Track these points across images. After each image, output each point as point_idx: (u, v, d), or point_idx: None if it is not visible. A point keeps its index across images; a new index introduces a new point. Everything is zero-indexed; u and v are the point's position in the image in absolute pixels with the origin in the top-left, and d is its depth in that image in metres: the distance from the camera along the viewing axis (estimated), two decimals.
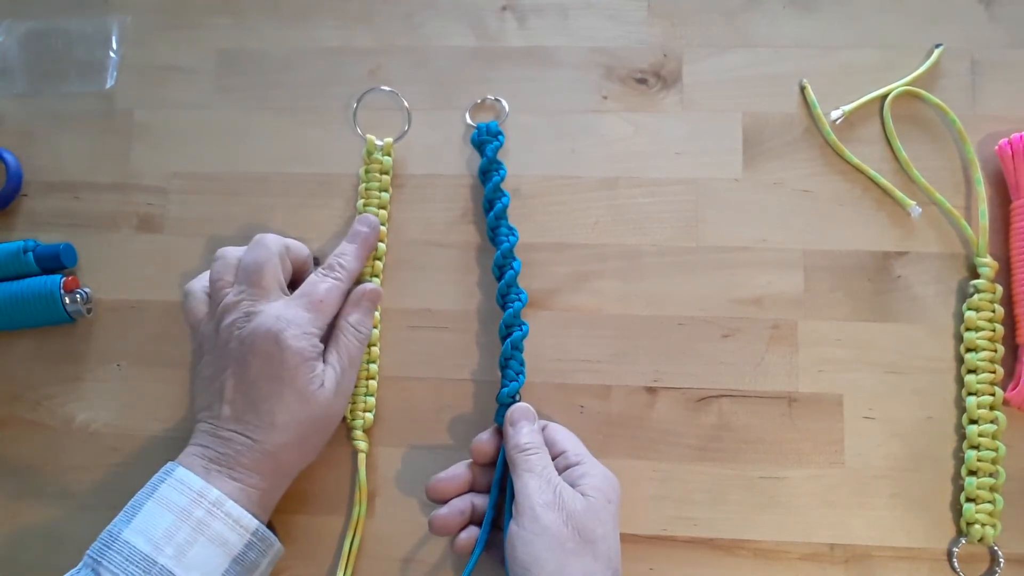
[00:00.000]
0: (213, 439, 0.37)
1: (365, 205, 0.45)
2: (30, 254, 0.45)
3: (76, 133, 0.48)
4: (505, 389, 0.41)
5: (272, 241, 0.40)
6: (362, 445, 0.43)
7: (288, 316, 0.38)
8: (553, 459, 0.39)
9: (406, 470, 0.43)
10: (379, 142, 0.45)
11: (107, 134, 0.48)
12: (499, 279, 0.43)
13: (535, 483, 0.37)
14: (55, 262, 0.45)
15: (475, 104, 0.46)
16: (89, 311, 0.45)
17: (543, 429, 0.40)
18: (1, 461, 0.45)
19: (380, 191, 0.45)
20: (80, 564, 0.35)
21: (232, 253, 0.41)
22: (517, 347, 0.42)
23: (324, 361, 0.39)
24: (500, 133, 0.45)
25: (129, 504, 0.36)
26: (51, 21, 0.49)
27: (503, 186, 0.45)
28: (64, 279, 0.44)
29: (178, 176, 0.47)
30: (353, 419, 0.43)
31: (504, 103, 0.46)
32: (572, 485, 0.37)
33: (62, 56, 0.49)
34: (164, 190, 0.47)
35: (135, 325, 0.45)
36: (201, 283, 0.42)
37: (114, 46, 0.48)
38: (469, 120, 0.46)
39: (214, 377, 0.38)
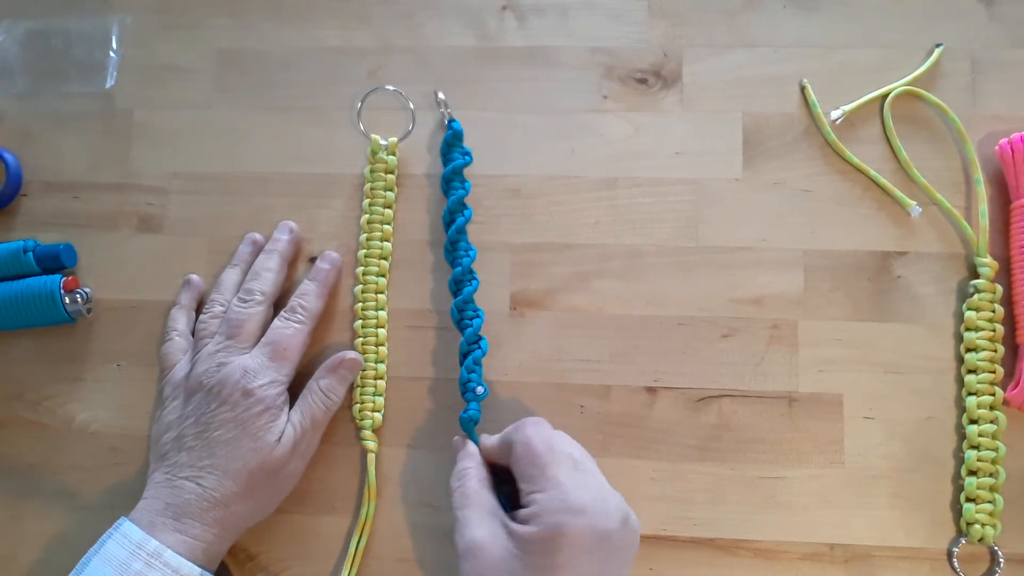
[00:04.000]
0: (165, 489, 0.38)
1: (371, 205, 0.45)
2: (30, 254, 0.45)
3: (76, 133, 0.48)
4: (466, 413, 0.41)
5: (261, 289, 0.42)
6: (371, 445, 0.43)
7: (254, 367, 0.39)
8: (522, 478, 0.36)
9: (407, 470, 0.43)
10: (384, 141, 0.45)
11: (107, 134, 0.48)
12: (455, 295, 0.43)
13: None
14: (55, 262, 0.45)
15: (441, 111, 0.46)
16: (89, 311, 0.45)
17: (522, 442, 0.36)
18: (1, 461, 0.45)
19: (385, 190, 0.45)
20: None
21: (222, 300, 0.42)
22: (478, 363, 0.42)
23: (288, 418, 0.40)
24: (468, 153, 0.45)
25: (80, 561, 0.37)
26: (51, 21, 0.49)
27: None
28: (64, 279, 0.44)
29: (178, 176, 0.47)
30: (362, 419, 0.43)
31: (457, 120, 0.45)
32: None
33: (62, 56, 0.49)
34: (164, 190, 0.47)
35: (135, 325, 0.45)
36: (183, 323, 0.44)
37: (114, 46, 0.48)
38: (446, 114, 0.46)
39: (176, 424, 0.39)
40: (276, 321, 0.41)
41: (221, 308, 0.42)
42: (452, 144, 0.45)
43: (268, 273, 0.43)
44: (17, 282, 0.45)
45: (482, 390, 0.41)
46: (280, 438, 0.39)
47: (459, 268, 0.43)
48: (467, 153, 0.45)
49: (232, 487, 0.38)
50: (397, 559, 0.42)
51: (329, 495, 0.43)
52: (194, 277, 0.45)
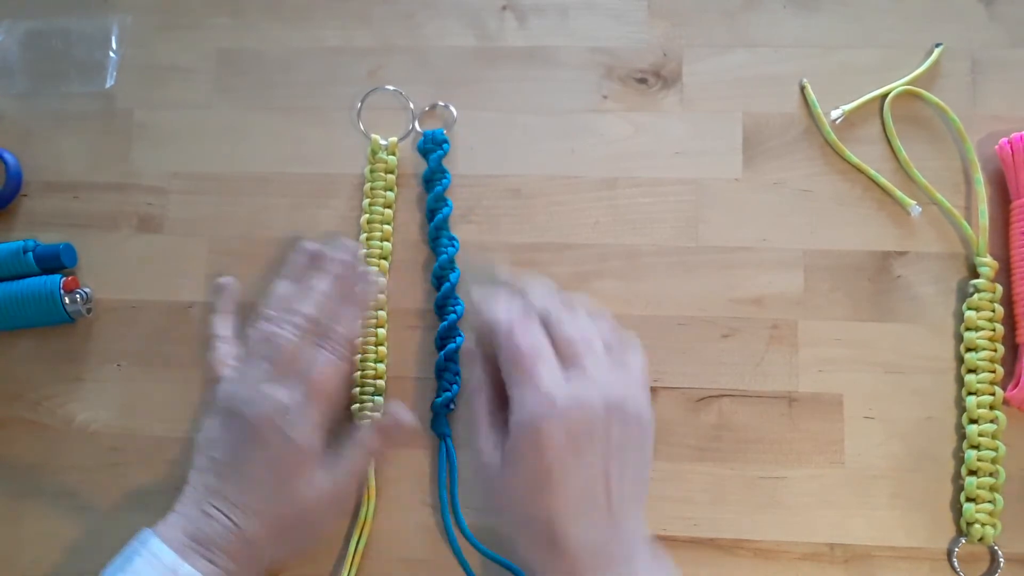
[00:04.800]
0: (197, 513, 0.36)
1: (371, 205, 0.45)
2: (30, 254, 0.45)
3: (76, 133, 0.48)
4: (439, 399, 0.42)
5: (308, 314, 0.38)
6: None
7: (292, 407, 0.37)
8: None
9: (410, 470, 0.43)
10: (384, 141, 0.45)
11: (107, 134, 0.48)
12: (437, 289, 0.43)
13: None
14: (55, 262, 0.45)
15: (424, 112, 0.46)
16: (89, 311, 0.45)
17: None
18: (1, 461, 0.45)
19: (385, 190, 0.45)
20: None
21: (273, 316, 0.39)
22: (451, 358, 0.43)
23: (324, 465, 0.38)
24: (445, 141, 0.45)
25: (104, 572, 0.35)
26: (51, 21, 0.49)
27: (447, 194, 0.45)
28: (64, 279, 0.44)
29: (178, 176, 0.47)
30: (362, 419, 0.43)
31: (453, 110, 0.46)
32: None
33: (62, 56, 0.49)
34: (164, 190, 0.47)
35: (135, 325, 0.45)
36: (225, 328, 0.42)
37: (114, 46, 0.48)
38: (418, 127, 0.46)
39: (215, 443, 0.37)
40: (316, 353, 0.38)
41: (269, 327, 0.39)
42: (428, 148, 0.45)
43: (321, 298, 0.39)
44: (17, 282, 0.45)
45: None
46: (316, 489, 0.37)
47: (437, 264, 0.44)
48: (444, 141, 0.45)
49: (262, 530, 0.36)
50: (397, 559, 0.42)
51: None
52: (226, 280, 0.43)
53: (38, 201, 0.47)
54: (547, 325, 0.35)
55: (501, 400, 0.35)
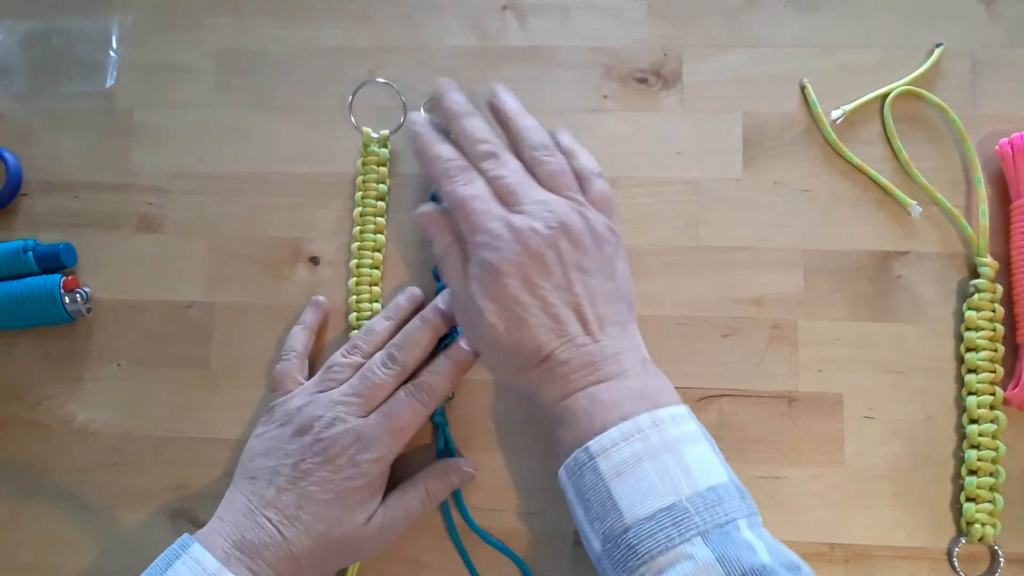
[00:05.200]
0: (246, 520, 0.36)
1: (363, 197, 0.45)
2: (30, 254, 0.45)
3: (76, 133, 0.48)
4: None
5: (404, 361, 0.39)
6: None
7: (367, 438, 0.37)
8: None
9: (410, 470, 0.43)
10: (375, 134, 0.45)
11: (107, 134, 0.48)
12: (438, 279, 0.44)
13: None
14: (55, 262, 0.45)
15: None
16: (89, 311, 0.45)
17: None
18: (1, 461, 0.45)
19: (377, 183, 0.45)
20: None
21: (366, 351, 0.40)
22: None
23: (383, 501, 0.38)
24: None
25: (144, 574, 0.35)
26: (51, 21, 0.49)
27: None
28: (64, 279, 0.44)
29: (178, 176, 0.47)
30: None
31: None
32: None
33: (62, 56, 0.49)
34: (164, 190, 0.47)
35: (135, 325, 0.45)
36: (302, 344, 0.42)
37: (114, 46, 0.48)
38: (424, 115, 0.46)
39: (275, 454, 0.38)
40: (400, 393, 0.39)
41: (362, 360, 0.40)
42: None
43: (416, 349, 0.40)
44: (17, 282, 0.45)
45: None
46: (370, 519, 0.37)
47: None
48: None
49: (310, 547, 0.36)
50: (397, 559, 0.42)
51: None
52: (321, 299, 0.44)
53: (38, 201, 0.47)
54: (482, 172, 0.38)
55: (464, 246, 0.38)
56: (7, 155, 0.47)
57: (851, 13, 0.46)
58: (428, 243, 0.40)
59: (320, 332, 0.44)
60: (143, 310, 0.46)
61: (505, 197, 0.37)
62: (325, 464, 0.37)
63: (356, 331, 0.43)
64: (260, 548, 0.35)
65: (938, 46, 0.45)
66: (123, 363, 0.45)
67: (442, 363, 0.40)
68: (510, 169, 0.38)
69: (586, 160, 0.40)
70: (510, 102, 0.41)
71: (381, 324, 0.42)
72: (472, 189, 0.37)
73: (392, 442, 0.38)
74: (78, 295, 0.45)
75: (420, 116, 0.41)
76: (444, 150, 0.39)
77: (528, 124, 0.40)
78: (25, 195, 0.47)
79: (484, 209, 0.36)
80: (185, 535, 0.36)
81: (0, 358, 0.46)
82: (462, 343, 0.40)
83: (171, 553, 0.35)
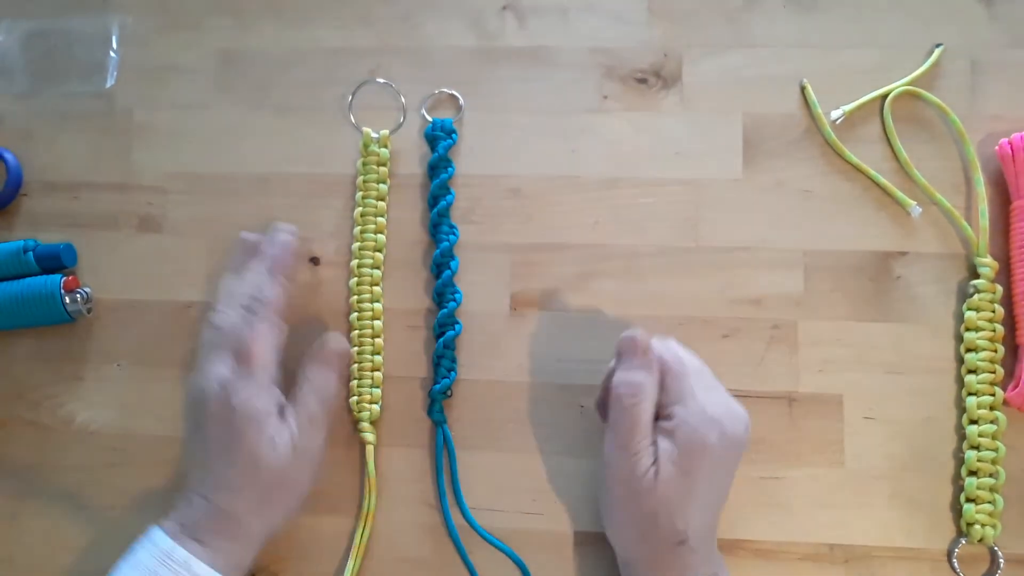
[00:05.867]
0: (185, 505, 0.38)
1: (364, 197, 0.45)
2: (30, 254, 0.45)
3: (76, 133, 0.48)
4: (437, 385, 0.43)
5: (246, 293, 0.39)
6: (370, 437, 0.43)
7: (223, 378, 0.37)
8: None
9: (408, 470, 0.43)
10: (375, 134, 0.45)
11: (107, 134, 0.48)
12: (437, 277, 0.44)
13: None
14: (55, 262, 0.45)
15: (432, 97, 0.46)
16: (89, 311, 0.45)
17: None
18: (1, 461, 0.45)
19: (378, 183, 0.45)
20: None
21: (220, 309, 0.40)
22: (449, 346, 0.43)
23: (283, 418, 0.38)
24: (453, 131, 0.45)
25: (112, 569, 0.36)
26: (51, 21, 0.49)
27: (450, 185, 0.45)
28: (64, 279, 0.44)
29: (178, 176, 0.47)
30: (360, 412, 0.43)
31: (460, 98, 0.46)
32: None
33: (62, 56, 0.49)
34: (164, 190, 0.47)
35: (135, 325, 0.45)
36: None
37: (114, 46, 0.48)
38: (427, 115, 0.46)
39: (193, 438, 0.39)
40: (246, 326, 0.38)
41: (211, 317, 0.40)
42: (437, 136, 0.45)
43: (254, 278, 0.40)
44: (17, 282, 0.45)
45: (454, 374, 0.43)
46: (277, 445, 0.37)
47: (438, 251, 0.44)
48: (453, 131, 0.45)
49: (239, 501, 0.37)
50: (397, 559, 0.42)
51: (329, 496, 0.43)
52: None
53: (38, 201, 0.47)
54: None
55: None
56: (7, 155, 0.47)
57: (851, 13, 0.46)
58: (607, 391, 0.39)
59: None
60: (143, 310, 0.46)
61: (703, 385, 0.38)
62: (211, 422, 0.37)
63: (356, 331, 0.43)
64: (200, 522, 0.37)
65: (938, 46, 0.45)
66: (123, 363, 0.45)
67: (257, 269, 0.40)
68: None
69: None
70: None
71: (225, 280, 0.41)
72: (697, 363, 0.39)
73: (248, 368, 0.37)
74: (78, 295, 0.45)
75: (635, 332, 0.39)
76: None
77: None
78: (25, 195, 0.47)
79: (699, 383, 0.38)
80: (152, 525, 0.37)
81: (0, 358, 0.46)
82: (270, 249, 0.40)
83: (137, 543, 0.37)
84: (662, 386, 0.38)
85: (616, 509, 0.38)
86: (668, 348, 0.39)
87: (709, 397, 0.37)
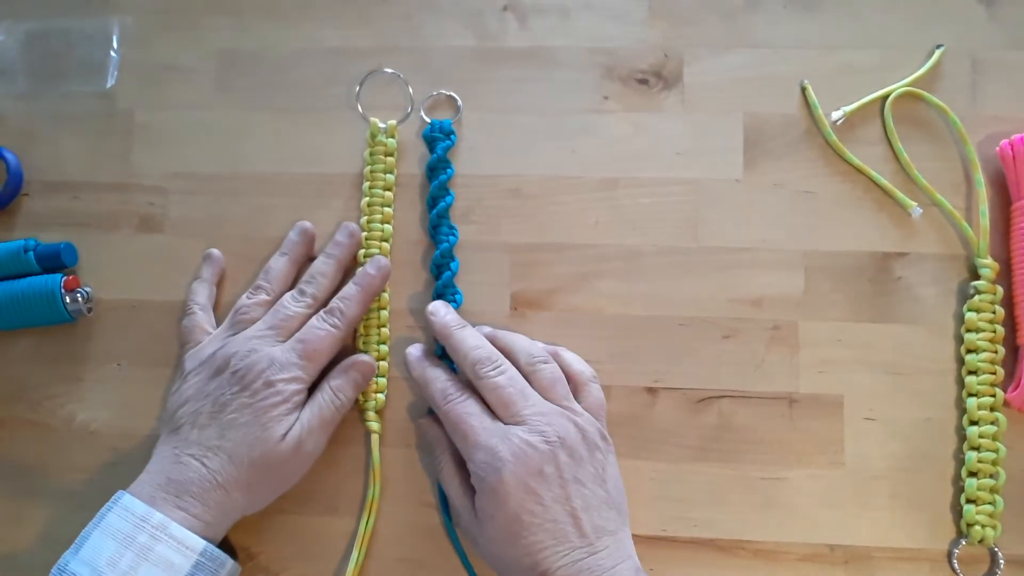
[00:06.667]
0: (170, 464, 0.38)
1: (371, 187, 0.45)
2: (30, 253, 0.45)
3: (76, 133, 0.48)
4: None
5: (314, 293, 0.42)
6: (375, 426, 0.43)
7: (282, 361, 0.39)
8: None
9: (407, 470, 0.43)
10: (383, 124, 0.45)
11: (107, 134, 0.48)
12: (436, 278, 0.44)
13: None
14: (56, 261, 0.45)
15: (430, 98, 0.46)
16: (90, 310, 0.45)
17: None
18: (1, 461, 0.45)
19: (385, 173, 0.45)
20: None
21: (269, 288, 0.42)
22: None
23: (298, 416, 0.39)
24: (452, 132, 0.45)
25: (79, 535, 0.36)
26: (51, 21, 0.49)
27: (450, 185, 0.45)
28: (65, 278, 0.44)
29: (178, 176, 0.47)
30: (366, 400, 0.43)
31: (458, 99, 0.46)
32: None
33: (62, 56, 0.49)
34: (164, 190, 0.47)
35: (135, 325, 0.45)
36: (204, 297, 0.44)
37: (114, 46, 0.48)
38: (425, 116, 0.46)
39: (194, 399, 0.39)
40: (313, 320, 0.41)
41: (267, 297, 0.42)
42: (435, 137, 0.46)
43: (324, 280, 0.42)
44: (18, 282, 0.45)
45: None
46: (287, 434, 0.38)
47: (437, 252, 0.44)
48: (451, 132, 0.45)
49: (234, 473, 0.38)
50: (397, 559, 0.42)
51: (331, 496, 0.43)
52: (214, 252, 0.45)
53: (39, 201, 0.47)
54: (476, 381, 0.39)
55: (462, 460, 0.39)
56: (7, 155, 0.47)
57: (851, 14, 0.46)
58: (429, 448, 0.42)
59: (220, 283, 0.45)
60: (143, 310, 0.46)
61: (502, 408, 0.38)
62: (242, 391, 0.38)
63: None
64: (186, 484, 0.37)
65: (938, 47, 0.45)
66: (123, 363, 0.45)
67: (351, 289, 0.42)
68: (508, 377, 0.38)
69: (580, 365, 0.41)
70: (447, 316, 0.41)
71: (278, 262, 0.44)
72: (466, 407, 0.38)
73: (307, 364, 0.40)
74: (78, 295, 0.45)
75: (413, 347, 0.42)
76: (436, 372, 0.41)
77: (516, 338, 0.41)
78: (26, 195, 0.47)
79: (480, 427, 0.37)
80: (119, 491, 0.37)
81: (0, 358, 0.46)
82: (369, 269, 0.42)
83: (105, 507, 0.37)
84: (458, 447, 0.39)
85: (477, 552, 0.39)
86: (446, 412, 0.39)
87: (500, 435, 0.36)
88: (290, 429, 0.39)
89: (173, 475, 0.37)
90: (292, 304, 0.41)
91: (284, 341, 0.40)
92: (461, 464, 0.39)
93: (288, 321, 0.41)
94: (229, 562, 0.38)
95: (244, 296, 0.42)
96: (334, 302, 0.41)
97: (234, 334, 0.41)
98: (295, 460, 0.39)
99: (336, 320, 0.41)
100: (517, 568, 0.35)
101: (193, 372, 0.40)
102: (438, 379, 0.40)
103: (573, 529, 0.35)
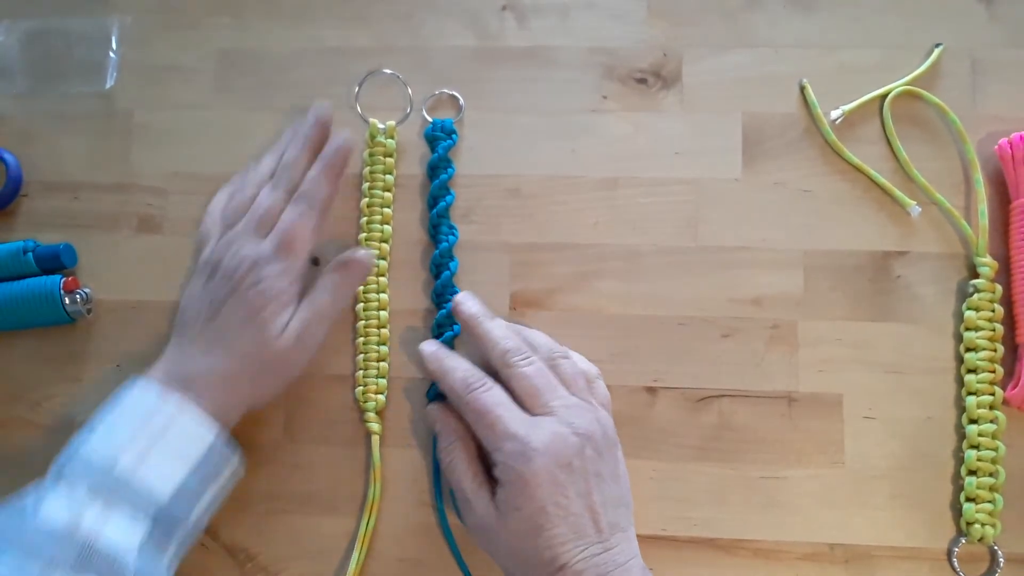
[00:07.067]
0: (178, 358, 0.39)
1: (370, 188, 0.45)
2: (30, 254, 0.45)
3: (76, 133, 0.48)
4: (435, 387, 0.43)
5: (287, 178, 0.41)
6: (375, 427, 0.43)
7: (264, 257, 0.39)
8: None
9: (407, 471, 0.43)
10: (381, 125, 0.45)
11: (107, 134, 0.48)
12: (436, 277, 0.44)
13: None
14: (55, 262, 0.45)
15: (431, 98, 0.46)
16: (89, 311, 0.45)
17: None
18: (1, 461, 0.45)
19: (384, 174, 0.45)
20: (47, 476, 0.36)
21: (254, 187, 0.42)
22: (448, 346, 0.43)
23: (295, 311, 0.40)
24: (454, 132, 0.45)
25: (93, 416, 0.37)
26: (51, 21, 0.49)
27: (450, 185, 0.45)
28: (64, 279, 0.44)
29: (178, 176, 0.47)
30: (365, 401, 0.43)
31: (460, 98, 0.46)
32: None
33: (62, 56, 0.49)
34: (164, 190, 0.47)
35: (135, 325, 0.45)
36: (223, 203, 0.43)
37: (114, 46, 0.48)
38: (427, 115, 0.46)
39: (197, 299, 0.40)
40: (285, 212, 0.41)
41: (244, 193, 0.42)
42: (436, 136, 0.46)
43: (296, 169, 0.42)
44: (17, 282, 0.44)
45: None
46: (284, 330, 0.39)
47: (436, 252, 0.44)
48: (453, 132, 0.45)
49: (236, 367, 0.38)
50: (397, 559, 0.42)
51: (331, 496, 0.43)
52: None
53: (38, 201, 0.47)
54: (504, 370, 0.38)
55: (477, 452, 0.39)
56: (7, 156, 0.47)
57: (851, 13, 0.46)
58: (435, 436, 0.41)
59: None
60: (143, 310, 0.46)
61: (529, 398, 0.37)
62: (233, 291, 0.39)
63: None
64: (192, 376, 0.38)
65: (937, 46, 0.45)
66: (123, 363, 0.45)
67: (314, 170, 0.41)
68: (536, 368, 0.38)
69: (585, 364, 0.41)
70: (476, 307, 0.41)
71: (268, 160, 0.43)
72: (492, 396, 0.37)
73: (287, 255, 0.40)
74: (78, 296, 0.45)
75: (426, 343, 0.42)
76: (455, 362, 0.40)
77: (535, 333, 0.40)
78: (25, 196, 0.47)
79: (509, 416, 0.36)
80: (132, 377, 0.38)
81: (0, 358, 0.46)
82: (329, 146, 0.42)
83: (119, 391, 0.38)
84: (481, 437, 0.38)
85: (485, 547, 0.38)
86: (476, 399, 0.38)
87: (532, 426, 0.36)
88: (287, 324, 0.39)
89: (181, 368, 0.38)
90: (267, 196, 0.41)
91: (259, 233, 0.40)
92: (475, 455, 0.39)
93: (266, 215, 0.40)
94: (236, 455, 0.39)
95: (232, 200, 0.43)
96: (300, 188, 0.41)
97: (223, 235, 0.41)
98: (295, 354, 0.40)
99: (304, 206, 0.40)
100: (535, 562, 0.35)
101: (196, 275, 0.41)
102: (458, 369, 0.39)
103: (591, 524, 0.35)
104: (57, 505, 0.34)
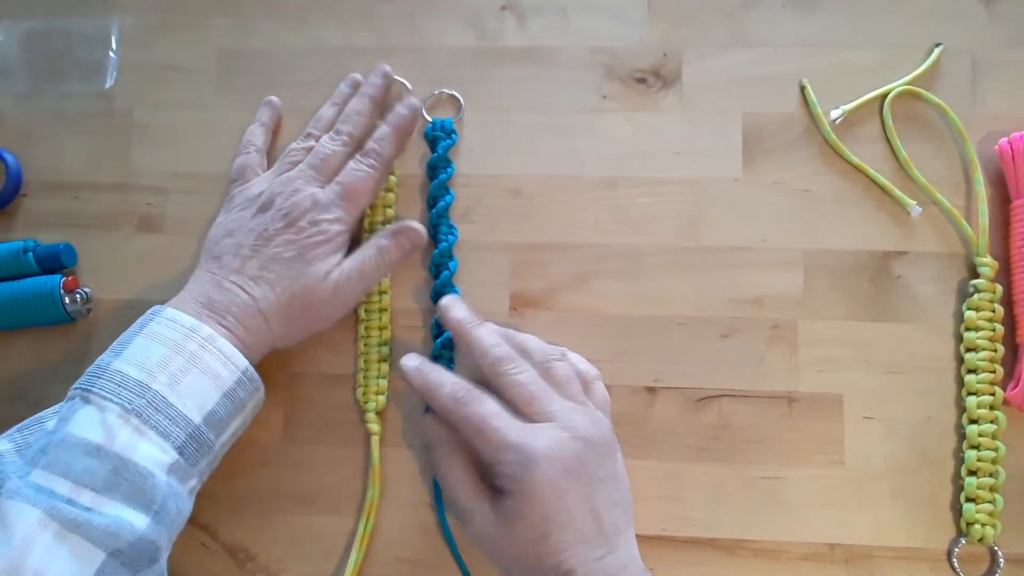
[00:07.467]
0: (211, 287, 0.39)
1: None
2: (30, 254, 0.45)
3: (76, 133, 0.48)
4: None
5: (349, 131, 0.43)
6: (375, 428, 0.43)
7: (324, 202, 0.40)
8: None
9: (407, 471, 0.43)
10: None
11: (107, 134, 0.48)
12: (435, 277, 0.44)
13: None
14: (55, 262, 0.45)
15: (432, 98, 0.46)
16: (89, 311, 0.45)
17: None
18: None
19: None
20: (66, 398, 0.36)
21: (316, 134, 0.44)
22: (447, 347, 0.43)
23: (341, 260, 0.41)
24: (453, 132, 0.45)
25: (116, 342, 0.37)
26: (51, 21, 0.49)
27: (449, 185, 0.45)
28: (64, 279, 0.44)
29: (178, 176, 0.47)
30: (366, 402, 0.43)
31: (460, 98, 0.46)
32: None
33: (62, 56, 0.49)
34: (164, 190, 0.47)
35: None
36: (260, 139, 0.45)
37: (114, 46, 0.48)
38: (426, 115, 0.46)
39: (238, 232, 0.40)
40: (350, 163, 0.42)
41: (313, 141, 0.43)
42: (436, 136, 0.46)
43: (359, 118, 0.43)
44: (17, 282, 0.45)
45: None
46: (328, 275, 0.40)
47: (436, 251, 0.44)
48: (452, 132, 0.46)
49: (275, 302, 0.39)
50: (397, 559, 0.42)
51: (331, 496, 0.43)
52: (274, 98, 0.46)
53: (38, 201, 0.47)
54: (496, 379, 0.38)
55: (473, 460, 0.38)
56: (7, 155, 0.47)
57: (851, 13, 0.46)
58: (428, 448, 0.41)
59: (275, 130, 0.46)
60: (143, 310, 0.45)
61: (525, 406, 0.37)
62: (287, 228, 0.40)
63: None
64: (228, 306, 0.38)
65: (937, 46, 0.45)
66: None
67: (384, 130, 0.43)
68: (529, 375, 0.38)
69: (584, 365, 0.40)
70: (462, 313, 0.41)
71: (328, 111, 0.45)
72: (484, 407, 0.37)
73: (348, 205, 0.41)
74: (78, 295, 0.45)
75: (407, 358, 0.41)
76: (439, 377, 0.39)
77: (527, 337, 0.40)
78: (25, 195, 0.47)
79: (506, 426, 0.36)
80: (156, 305, 0.38)
81: (0, 358, 0.46)
82: (401, 109, 0.43)
83: (144, 318, 0.38)
84: (479, 450, 0.37)
85: (487, 555, 0.38)
86: (471, 414, 0.37)
87: (529, 433, 0.35)
88: (332, 270, 0.40)
89: (215, 296, 0.38)
90: (329, 143, 0.42)
91: (326, 182, 0.41)
92: (472, 465, 0.38)
93: (327, 159, 0.42)
94: (262, 388, 0.39)
95: (294, 142, 0.44)
96: (369, 143, 0.42)
97: (279, 175, 0.42)
98: (333, 302, 0.40)
99: (372, 160, 0.42)
100: (538, 569, 0.35)
101: (239, 207, 0.42)
102: (444, 384, 0.38)
103: (594, 528, 0.35)
104: (89, 424, 0.34)
